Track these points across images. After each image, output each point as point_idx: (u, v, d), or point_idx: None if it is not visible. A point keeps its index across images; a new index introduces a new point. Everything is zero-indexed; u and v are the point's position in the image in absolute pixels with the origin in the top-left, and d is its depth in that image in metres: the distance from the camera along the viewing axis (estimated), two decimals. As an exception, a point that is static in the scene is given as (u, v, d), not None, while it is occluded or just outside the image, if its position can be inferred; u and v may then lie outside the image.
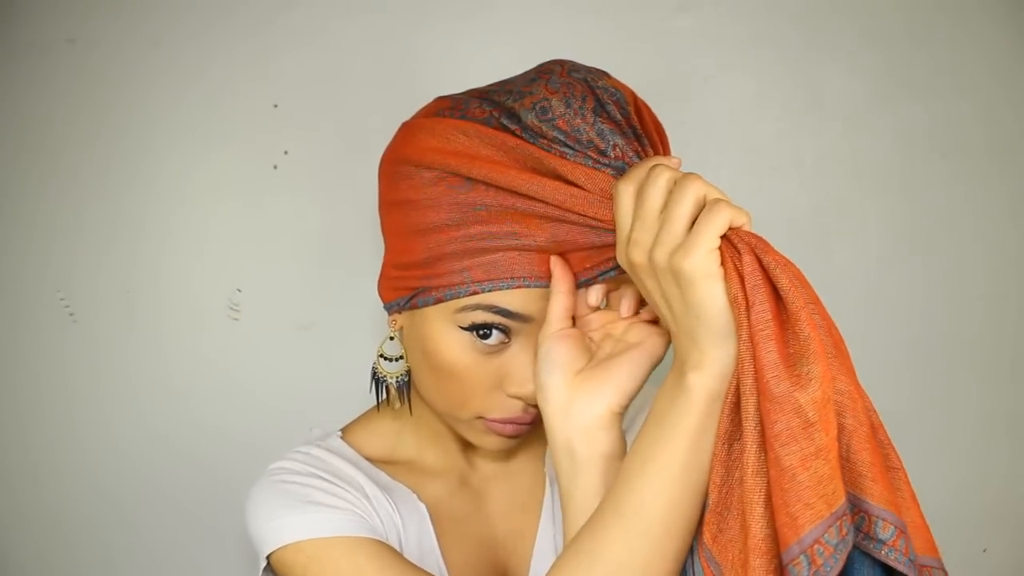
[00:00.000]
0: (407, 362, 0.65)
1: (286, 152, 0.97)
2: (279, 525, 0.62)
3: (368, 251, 1.00)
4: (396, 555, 0.62)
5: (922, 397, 1.09)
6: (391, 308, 0.65)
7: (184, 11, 0.94)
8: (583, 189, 0.53)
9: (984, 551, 1.14)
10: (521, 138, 0.55)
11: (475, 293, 0.57)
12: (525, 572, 0.71)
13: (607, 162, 0.54)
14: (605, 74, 0.58)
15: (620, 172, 0.53)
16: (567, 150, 0.54)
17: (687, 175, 0.48)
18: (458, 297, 0.58)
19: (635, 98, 0.58)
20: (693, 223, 0.47)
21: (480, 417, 0.63)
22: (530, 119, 0.54)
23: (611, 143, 0.54)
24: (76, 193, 0.95)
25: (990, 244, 1.07)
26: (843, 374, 0.46)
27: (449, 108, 0.60)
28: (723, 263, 0.46)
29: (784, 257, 0.46)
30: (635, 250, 0.49)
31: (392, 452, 0.72)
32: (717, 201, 0.47)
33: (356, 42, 0.96)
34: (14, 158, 0.94)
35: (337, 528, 0.61)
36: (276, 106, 0.96)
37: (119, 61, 0.94)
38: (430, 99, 1.00)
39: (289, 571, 0.61)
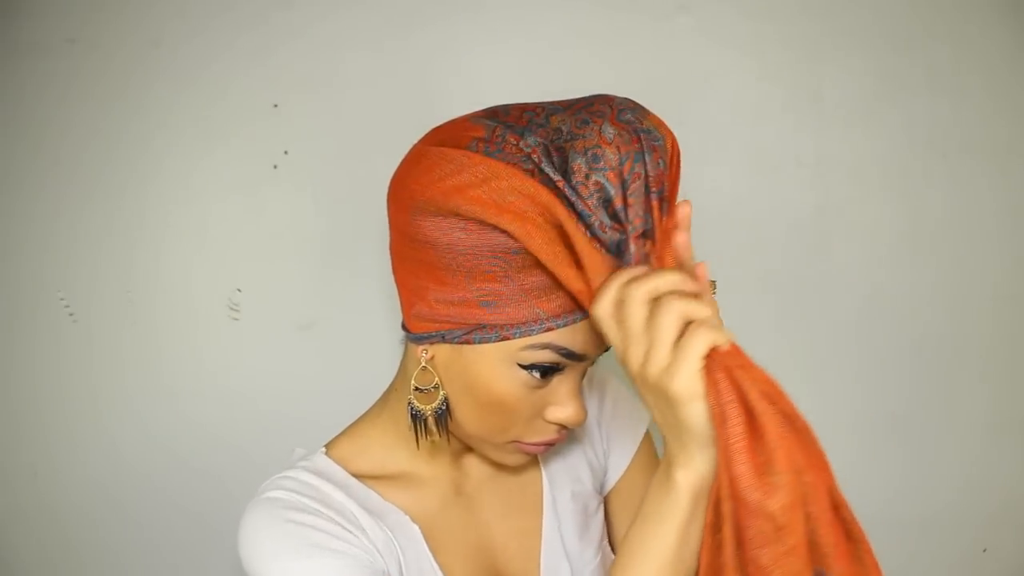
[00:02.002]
0: (443, 391, 0.63)
1: (286, 152, 0.97)
2: (285, 569, 0.60)
3: (368, 251, 1.00)
4: None
5: (922, 397, 1.09)
6: (427, 340, 0.62)
7: (184, 11, 0.94)
8: (584, 273, 0.54)
9: (984, 551, 1.14)
10: (556, 191, 0.54)
11: (550, 330, 0.57)
12: (535, 571, 0.71)
13: (616, 233, 0.54)
14: (647, 114, 0.58)
15: (618, 251, 0.54)
16: (593, 214, 0.53)
17: (667, 298, 0.50)
18: (530, 335, 0.57)
19: (673, 143, 0.58)
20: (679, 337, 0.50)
21: (515, 441, 0.63)
22: (579, 163, 0.54)
23: (633, 216, 0.54)
24: (76, 193, 0.95)
25: (990, 244, 1.07)
26: (808, 465, 0.50)
27: (483, 140, 0.56)
28: (704, 379, 0.50)
29: (757, 369, 0.50)
30: (630, 366, 0.52)
31: (382, 467, 0.70)
32: (699, 327, 0.49)
33: (356, 42, 0.96)
34: (14, 158, 0.94)
35: (340, 571, 0.60)
36: (276, 106, 0.96)
37: (119, 61, 0.94)
38: (430, 99, 1.00)
39: None
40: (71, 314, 0.97)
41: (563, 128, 0.55)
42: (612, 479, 0.81)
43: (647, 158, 0.54)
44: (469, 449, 0.71)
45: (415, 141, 0.98)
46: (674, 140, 0.58)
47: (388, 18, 0.96)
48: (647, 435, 0.83)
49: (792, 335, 1.07)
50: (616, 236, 0.53)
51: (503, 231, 0.54)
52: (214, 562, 1.04)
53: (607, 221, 0.53)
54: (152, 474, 1.01)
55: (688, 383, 0.50)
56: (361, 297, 1.01)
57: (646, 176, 0.54)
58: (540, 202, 0.53)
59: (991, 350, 1.10)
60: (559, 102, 0.59)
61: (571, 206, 0.53)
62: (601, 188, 0.53)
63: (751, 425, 0.50)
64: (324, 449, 0.71)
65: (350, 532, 0.63)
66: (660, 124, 0.57)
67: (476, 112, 0.61)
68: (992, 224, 1.07)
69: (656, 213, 0.54)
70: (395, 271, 0.64)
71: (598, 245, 0.53)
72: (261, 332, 1.00)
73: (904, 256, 1.07)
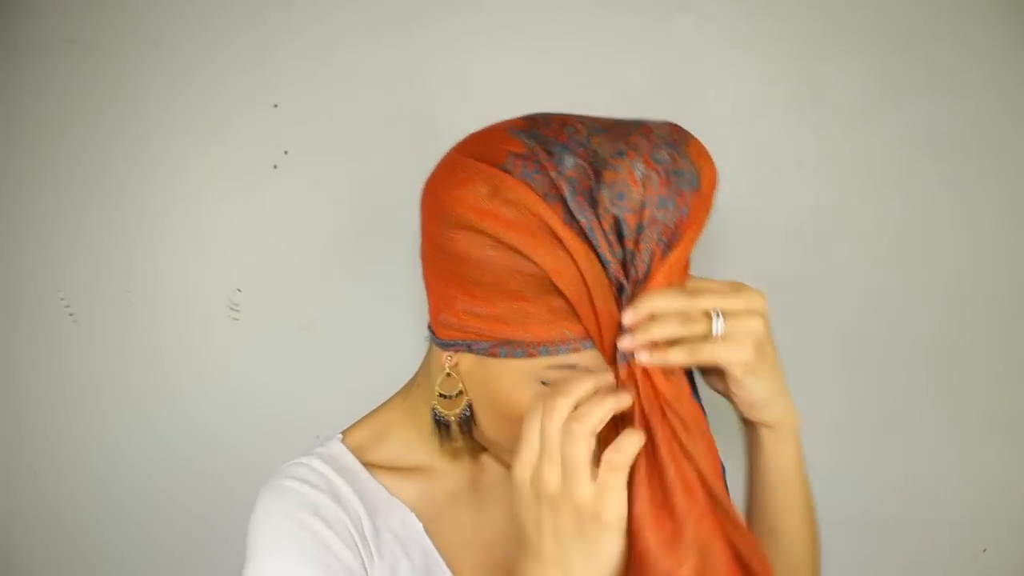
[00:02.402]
0: (467, 397, 0.63)
1: (286, 152, 0.97)
2: (272, 566, 0.61)
3: (368, 251, 1.00)
4: None
5: (922, 397, 1.09)
6: (453, 347, 0.62)
7: (184, 11, 0.94)
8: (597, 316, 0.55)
9: (984, 551, 1.14)
10: (580, 233, 0.54)
11: (576, 351, 0.57)
12: None
13: (621, 276, 0.54)
14: (686, 148, 0.57)
15: (619, 292, 0.55)
16: (611, 260, 0.54)
17: (570, 425, 0.52)
18: (556, 355, 0.57)
19: (710, 180, 0.57)
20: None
21: None
22: (604, 195, 0.53)
23: (638, 263, 0.54)
24: (76, 193, 0.95)
25: (990, 244, 1.07)
26: (714, 537, 0.53)
27: (520, 158, 0.56)
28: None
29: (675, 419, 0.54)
30: (540, 485, 0.54)
31: (397, 458, 0.70)
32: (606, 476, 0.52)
33: (356, 42, 0.96)
34: (14, 158, 0.94)
35: None
36: (276, 106, 0.96)
37: (119, 61, 0.94)
38: (430, 99, 1.00)
39: None
40: (71, 314, 0.97)
41: (600, 152, 0.55)
42: None
43: (670, 204, 0.54)
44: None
45: (415, 141, 0.99)
46: (712, 177, 0.57)
47: (388, 18, 0.96)
48: None
49: (792, 335, 1.07)
50: (620, 279, 0.54)
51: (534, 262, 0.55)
52: (214, 561, 1.04)
53: (617, 262, 0.54)
54: (152, 474, 1.01)
55: (618, 513, 0.52)
56: (361, 297, 1.01)
57: (662, 223, 0.54)
58: (571, 245, 0.54)
59: (991, 350, 1.10)
60: (600, 120, 0.58)
61: (593, 248, 0.54)
62: (617, 226, 0.53)
63: (660, 495, 0.53)
64: (341, 435, 0.71)
65: (353, 547, 0.64)
66: (700, 157, 0.57)
67: (515, 120, 0.60)
68: (992, 224, 1.07)
69: (657, 261, 0.54)
70: (425, 275, 0.63)
71: (611, 289, 0.54)
72: (261, 332, 1.00)
73: (904, 256, 1.07)
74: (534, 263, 0.54)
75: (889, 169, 1.05)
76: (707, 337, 0.55)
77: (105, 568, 1.02)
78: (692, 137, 0.59)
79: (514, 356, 0.58)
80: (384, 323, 1.01)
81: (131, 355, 0.98)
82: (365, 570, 0.64)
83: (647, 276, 0.54)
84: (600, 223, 0.53)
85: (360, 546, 0.64)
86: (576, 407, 0.53)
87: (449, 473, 0.71)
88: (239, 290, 0.99)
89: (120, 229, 0.97)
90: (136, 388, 0.99)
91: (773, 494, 0.64)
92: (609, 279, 0.54)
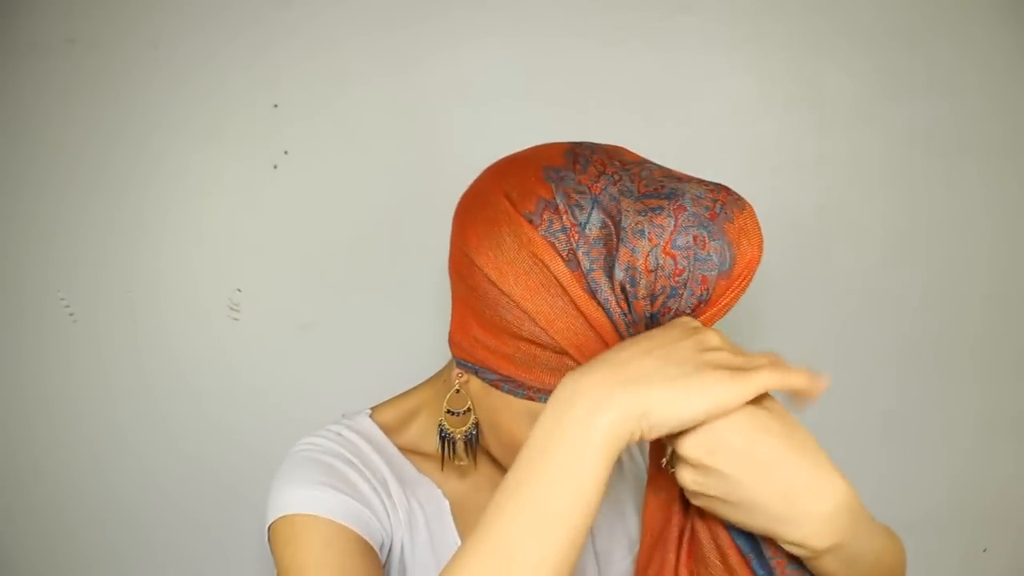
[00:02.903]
0: (475, 416, 0.64)
1: (286, 152, 0.97)
2: (293, 494, 0.62)
3: (368, 251, 1.00)
4: (367, 563, 0.61)
5: (922, 397, 1.09)
6: (463, 367, 0.61)
7: (183, 11, 0.94)
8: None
9: (984, 551, 1.14)
10: (597, 301, 0.52)
11: None
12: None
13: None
14: (724, 225, 0.52)
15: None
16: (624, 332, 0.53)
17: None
18: None
19: (746, 266, 0.53)
20: None
21: None
22: (617, 273, 0.52)
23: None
24: (76, 193, 0.95)
25: (990, 244, 1.07)
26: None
27: (550, 208, 0.53)
28: None
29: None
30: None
31: (421, 443, 0.72)
32: None
33: (356, 42, 0.96)
34: (14, 158, 0.94)
35: (331, 510, 0.61)
36: (276, 106, 0.96)
37: (119, 61, 0.94)
38: (430, 99, 1.00)
39: (275, 540, 0.62)
40: (71, 314, 0.97)
41: (624, 221, 0.52)
42: None
43: (686, 292, 0.52)
44: None
45: (415, 141, 0.99)
46: (750, 257, 0.53)
47: (388, 17, 0.96)
48: None
49: (792, 335, 1.07)
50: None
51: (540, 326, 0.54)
52: (215, 560, 1.04)
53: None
54: (153, 473, 1.01)
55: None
56: (361, 297, 1.01)
57: (675, 310, 0.53)
58: (590, 315, 0.52)
59: (991, 349, 1.10)
60: (641, 174, 0.55)
61: (611, 321, 0.52)
62: (632, 306, 0.52)
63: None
64: (370, 411, 0.73)
65: (373, 490, 0.65)
66: (741, 235, 0.53)
67: (555, 151, 0.57)
68: (991, 224, 1.07)
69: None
70: (452, 287, 0.63)
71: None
72: (261, 332, 1.00)
73: (903, 256, 1.07)
74: (551, 337, 0.54)
75: (889, 169, 1.05)
76: None
77: (106, 567, 1.02)
78: (738, 210, 0.54)
79: (516, 394, 0.57)
80: (384, 323, 1.01)
81: (131, 355, 0.98)
82: (387, 513, 0.65)
83: None
84: (617, 302, 0.52)
85: (383, 496, 0.65)
86: None
87: (469, 466, 0.71)
88: (239, 290, 0.99)
89: (120, 229, 0.97)
90: (136, 388, 0.99)
91: None
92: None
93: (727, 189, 0.55)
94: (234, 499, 1.02)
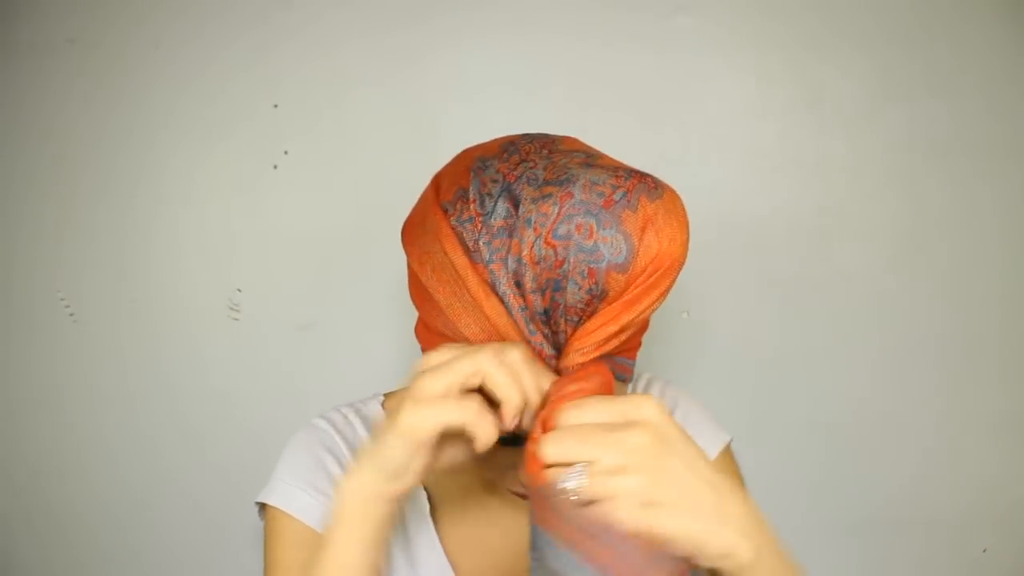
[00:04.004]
0: None
1: (286, 152, 0.98)
2: (283, 489, 0.65)
3: (368, 251, 1.00)
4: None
5: (922, 397, 1.09)
6: None
7: (184, 12, 0.94)
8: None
9: (984, 551, 1.14)
10: (495, 298, 0.51)
11: None
12: None
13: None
14: (622, 215, 0.48)
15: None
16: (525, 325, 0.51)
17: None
18: None
19: (657, 248, 0.49)
20: None
21: None
22: (511, 266, 0.50)
23: (549, 342, 0.52)
24: (76, 193, 0.95)
25: (991, 244, 1.07)
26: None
27: (463, 198, 0.52)
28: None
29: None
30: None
31: None
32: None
33: (356, 43, 0.96)
34: (14, 158, 0.94)
35: (305, 513, 0.64)
36: (276, 106, 0.97)
37: (119, 62, 0.94)
38: (429, 99, 1.00)
39: (266, 523, 0.66)
40: (71, 314, 0.97)
41: (521, 209, 0.50)
42: None
43: (569, 285, 0.49)
44: None
45: (414, 141, 0.99)
46: (656, 252, 0.48)
47: (387, 18, 0.96)
48: (726, 450, 0.76)
49: (792, 335, 1.07)
50: (539, 350, 0.51)
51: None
52: (215, 560, 1.04)
53: (537, 337, 0.51)
54: (152, 473, 1.01)
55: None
56: (361, 297, 1.01)
57: (563, 304, 0.50)
58: (492, 316, 0.51)
59: (991, 350, 1.09)
60: (558, 162, 0.51)
61: (508, 311, 0.51)
62: (523, 300, 0.50)
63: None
64: (383, 397, 0.73)
65: None
66: (643, 230, 0.48)
67: (498, 143, 0.56)
68: (992, 224, 1.07)
69: (568, 338, 0.51)
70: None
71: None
72: (261, 332, 1.00)
73: (904, 256, 1.06)
74: (460, 333, 0.53)
75: (889, 169, 1.05)
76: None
77: (105, 567, 1.02)
78: (649, 199, 0.49)
79: None
80: (384, 323, 1.01)
81: (131, 355, 0.99)
82: None
83: (560, 353, 0.51)
84: (514, 296, 0.50)
85: None
86: None
87: (467, 468, 0.71)
88: (239, 290, 0.99)
89: (120, 229, 0.97)
90: (136, 388, 0.99)
91: None
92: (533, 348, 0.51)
93: (644, 176, 0.50)
94: (233, 499, 1.02)
